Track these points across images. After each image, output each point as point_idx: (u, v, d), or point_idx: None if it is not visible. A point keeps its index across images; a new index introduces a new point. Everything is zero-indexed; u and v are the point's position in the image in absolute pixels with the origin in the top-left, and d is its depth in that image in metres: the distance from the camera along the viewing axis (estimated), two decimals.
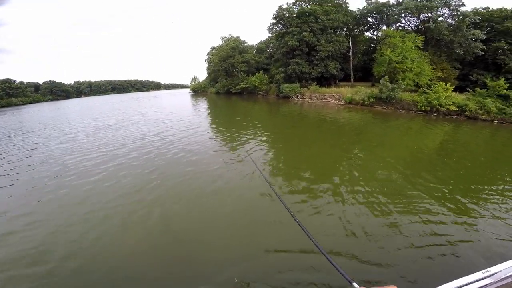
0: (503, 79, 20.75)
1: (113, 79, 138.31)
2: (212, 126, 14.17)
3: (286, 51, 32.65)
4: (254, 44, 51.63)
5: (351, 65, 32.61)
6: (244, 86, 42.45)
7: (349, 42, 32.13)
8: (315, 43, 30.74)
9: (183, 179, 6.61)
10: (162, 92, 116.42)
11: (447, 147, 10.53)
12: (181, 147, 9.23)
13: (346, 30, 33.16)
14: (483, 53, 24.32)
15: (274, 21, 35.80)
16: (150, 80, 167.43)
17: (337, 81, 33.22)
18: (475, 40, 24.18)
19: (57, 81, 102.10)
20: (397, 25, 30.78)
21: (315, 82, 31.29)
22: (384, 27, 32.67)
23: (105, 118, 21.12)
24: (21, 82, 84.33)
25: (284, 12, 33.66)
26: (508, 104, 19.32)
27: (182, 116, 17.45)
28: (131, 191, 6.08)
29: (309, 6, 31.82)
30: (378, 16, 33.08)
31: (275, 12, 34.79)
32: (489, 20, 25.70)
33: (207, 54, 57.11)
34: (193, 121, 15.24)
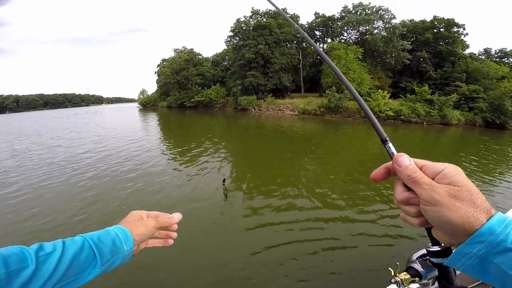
0: (427, 85, 25.48)
1: (45, 93, 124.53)
2: (165, 143, 14.09)
3: (243, 63, 34.12)
4: (210, 57, 52.57)
5: (301, 77, 35.71)
6: (199, 99, 42.55)
7: (299, 55, 35.37)
8: (270, 56, 32.92)
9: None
10: (105, 106, 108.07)
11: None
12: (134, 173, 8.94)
13: (296, 43, 36.49)
14: (409, 62, 29.51)
15: (231, 33, 37.44)
16: (91, 93, 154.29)
17: (289, 92, 35.90)
18: (403, 50, 29.30)
19: None
20: (340, 37, 35.34)
21: (271, 94, 33.37)
22: (329, 40, 37.16)
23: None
24: None
25: (242, 25, 35.49)
26: (432, 107, 23.76)
27: (133, 136, 16.81)
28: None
29: (264, 19, 34.22)
30: (324, 30, 37.51)
31: (233, 25, 36.47)
32: (413, 31, 31.45)
33: (158, 66, 55.98)
34: (144, 139, 14.87)
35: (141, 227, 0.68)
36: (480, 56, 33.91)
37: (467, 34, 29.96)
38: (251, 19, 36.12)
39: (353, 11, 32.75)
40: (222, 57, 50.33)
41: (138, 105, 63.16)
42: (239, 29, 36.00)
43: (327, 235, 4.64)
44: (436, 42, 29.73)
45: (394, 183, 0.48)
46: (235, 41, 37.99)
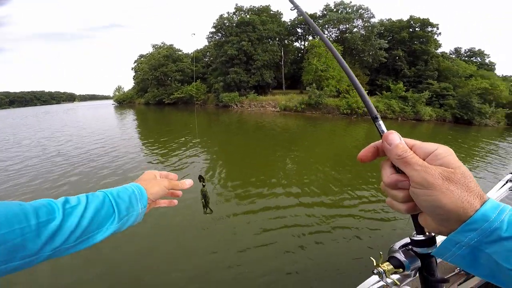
0: (401, 83, 26.71)
1: (11, 91, 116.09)
2: (145, 141, 13.67)
3: (226, 60, 33.89)
4: (190, 53, 51.51)
5: (283, 74, 36.10)
6: (179, 95, 41.63)
7: (281, 52, 35.70)
8: (253, 52, 32.93)
9: None
10: (77, 104, 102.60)
11: (366, 144, 13.20)
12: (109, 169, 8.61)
13: (278, 40, 36.77)
14: (385, 60, 30.75)
15: (213, 29, 37.00)
16: (62, 91, 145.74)
17: (271, 89, 36.23)
18: (380, 48, 30.45)
19: None
20: (322, 33, 36.05)
21: (253, 90, 33.41)
22: (310, 38, 37.77)
23: None
24: None
25: (225, 21, 35.21)
26: (406, 104, 24.97)
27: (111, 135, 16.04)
28: None
29: (248, 16, 34.10)
30: (306, 27, 38.02)
31: (215, 21, 36.00)
32: (390, 30, 32.73)
33: (135, 62, 54.03)
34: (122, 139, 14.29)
35: (156, 186, 0.70)
36: (451, 55, 36.03)
37: (440, 33, 31.69)
38: (234, 16, 35.92)
39: (335, 10, 33.48)
40: (203, 53, 49.56)
41: (114, 102, 60.57)
42: (221, 26, 35.70)
43: (311, 223, 4.79)
44: (411, 41, 31.18)
45: (381, 164, 0.44)
46: (217, 38, 37.61)
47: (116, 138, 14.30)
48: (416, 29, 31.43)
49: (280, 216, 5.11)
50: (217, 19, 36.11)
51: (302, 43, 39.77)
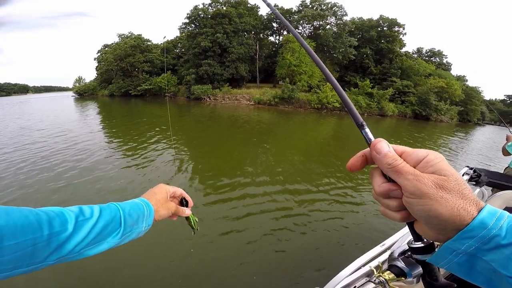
0: (368, 80, 28.47)
1: None
2: (108, 136, 13.02)
3: (198, 51, 33.37)
4: (160, 43, 49.49)
5: (257, 67, 36.49)
6: (147, 87, 39.98)
7: (256, 45, 35.94)
8: (228, 45, 32.77)
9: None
10: (31, 96, 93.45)
11: (336, 136, 14.16)
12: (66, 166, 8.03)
13: (254, 34, 36.92)
14: (354, 57, 32.45)
15: (187, 20, 36.16)
16: (13, 82, 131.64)
17: (245, 82, 36.45)
18: (350, 46, 32.03)
19: None
20: (296, 31, 36.90)
21: (227, 83, 33.30)
22: (285, 33, 38.46)
23: None
24: None
25: (200, 12, 34.56)
26: (372, 100, 26.74)
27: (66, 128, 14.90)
28: None
29: (224, 8, 33.66)
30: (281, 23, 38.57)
31: (189, 12, 35.22)
32: (360, 28, 34.49)
33: (98, 52, 50.56)
34: (80, 132, 13.42)
35: (165, 210, 0.73)
36: (413, 55, 39.11)
37: (405, 33, 34.16)
38: (210, 7, 35.30)
39: (310, 6, 34.40)
40: (174, 44, 48.01)
41: (74, 94, 56.13)
42: (195, 17, 35.05)
43: (285, 206, 5.08)
44: (379, 40, 33.26)
45: (371, 172, 0.43)
46: (190, 29, 36.88)
47: (78, 131, 13.49)
48: (384, 28, 33.57)
49: (254, 203, 5.31)
50: (192, 10, 35.38)
51: (277, 37, 40.35)
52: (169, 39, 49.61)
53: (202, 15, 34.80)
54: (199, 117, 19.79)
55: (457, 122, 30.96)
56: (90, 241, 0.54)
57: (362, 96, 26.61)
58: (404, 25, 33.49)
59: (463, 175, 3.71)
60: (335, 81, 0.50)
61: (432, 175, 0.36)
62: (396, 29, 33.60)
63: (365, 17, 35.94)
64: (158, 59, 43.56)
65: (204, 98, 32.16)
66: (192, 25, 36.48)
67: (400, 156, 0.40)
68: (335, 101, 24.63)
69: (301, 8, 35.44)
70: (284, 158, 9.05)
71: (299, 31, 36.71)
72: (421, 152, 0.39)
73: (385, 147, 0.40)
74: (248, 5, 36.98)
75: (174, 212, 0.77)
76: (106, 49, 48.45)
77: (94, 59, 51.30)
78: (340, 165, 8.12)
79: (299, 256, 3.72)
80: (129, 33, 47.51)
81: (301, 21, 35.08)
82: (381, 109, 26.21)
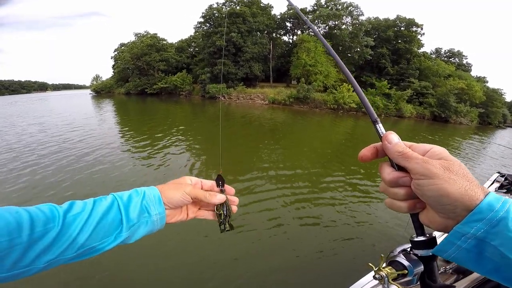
0: (386, 80, 27.94)
1: None
2: (124, 132, 13.35)
3: (213, 50, 33.68)
4: (174, 42, 50.30)
5: (271, 67, 36.43)
6: (162, 86, 40.72)
7: (270, 45, 35.93)
8: (242, 44, 32.98)
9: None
10: (51, 94, 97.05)
11: (352, 138, 13.95)
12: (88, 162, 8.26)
13: (267, 33, 36.93)
14: (370, 57, 31.91)
15: (202, 20, 36.72)
16: (33, 80, 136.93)
17: (258, 81, 36.51)
18: (366, 46, 31.52)
19: None
20: (310, 30, 36.59)
21: (241, 82, 33.49)
22: (299, 32, 38.25)
23: None
24: None
25: (214, 11, 35.06)
26: (390, 101, 26.24)
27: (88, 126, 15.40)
28: None
29: (238, 8, 33.95)
30: (296, 22, 38.40)
31: (204, 11, 35.74)
32: (376, 28, 33.90)
33: (115, 51, 51.91)
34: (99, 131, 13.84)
35: (173, 190, 0.59)
36: (431, 55, 38.07)
37: (424, 34, 33.30)
38: (224, 6, 35.65)
39: (325, 6, 34.07)
40: (189, 43, 48.69)
41: (91, 92, 57.89)
42: (210, 16, 35.58)
43: (311, 214, 5.04)
44: (396, 40, 32.57)
45: (380, 165, 0.46)
46: (205, 28, 37.40)
47: (95, 128, 13.92)
48: (402, 28, 32.85)
49: (270, 204, 5.27)
50: (206, 9, 35.88)
51: (291, 37, 40.18)
52: (183, 38, 50.42)
53: (216, 14, 35.24)
54: (215, 117, 20.02)
55: (477, 124, 29.91)
56: (87, 238, 0.48)
57: (379, 97, 26.16)
58: (422, 25, 32.66)
59: (493, 182, 3.46)
60: (352, 78, 0.53)
61: (439, 160, 0.39)
62: (414, 29, 32.81)
63: (381, 17, 35.29)
64: (173, 58, 44.31)
65: (219, 97, 32.45)
66: (207, 24, 36.97)
67: (409, 148, 0.43)
68: (352, 101, 24.35)
69: (315, 8, 35.16)
70: (300, 157, 8.93)
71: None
72: (427, 145, 0.42)
73: (395, 138, 0.44)
74: (261, 5, 37.09)
75: (193, 195, 0.60)
76: (123, 47, 49.71)
77: (111, 58, 52.74)
78: (359, 168, 7.89)
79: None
80: (145, 32, 48.52)
81: (316, 21, 34.73)
82: (399, 110, 25.70)
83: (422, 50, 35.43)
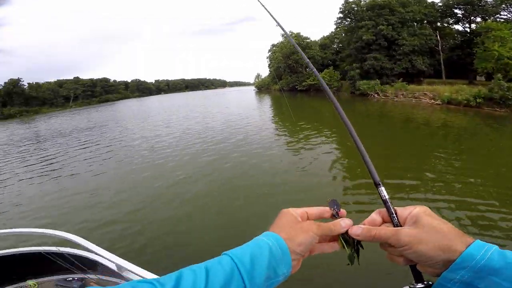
0: None
1: (186, 78, 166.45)
2: (278, 123, 16.17)
3: (361, 45, 32.51)
4: (317, 40, 51.76)
5: (442, 60, 30.18)
6: (310, 82, 43.08)
7: (436, 35, 30.13)
8: (395, 37, 30.06)
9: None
10: (228, 89, 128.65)
11: None
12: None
13: (427, 23, 31.44)
14: None
15: (341, 15, 36.25)
16: (217, 78, 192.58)
17: (422, 78, 31.11)
18: None
19: (141, 79, 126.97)
20: (495, 16, 26.43)
21: (400, 79, 29.73)
22: (479, 19, 28.55)
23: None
24: (114, 81, 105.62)
25: (352, 5, 33.95)
26: None
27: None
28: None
29: None
30: (469, 7, 28.82)
31: (341, 6, 35.25)
32: None
33: (269, 51, 60.15)
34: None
35: (300, 234, 0.49)
36: None
37: None
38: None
39: None
40: (331, 40, 48.48)
41: (254, 88, 70.81)
42: (349, 10, 34.42)
43: None
44: None
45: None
46: (346, 23, 36.64)
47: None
48: None
49: None
50: (343, 4, 34.82)
51: (466, 25, 30.88)
52: (325, 35, 50.71)
53: (355, 8, 33.57)
54: (365, 116, 19.36)
55: None
56: None
57: None
58: None
59: None
60: None
61: (407, 228, 0.46)
62: None
63: None
64: (318, 55, 45.81)
65: (371, 94, 30.45)
66: (348, 19, 35.78)
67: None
68: None
69: None
70: (487, 184, 6.29)
71: (504, 16, 26.91)
72: (408, 209, 0.49)
73: (359, 229, 0.50)
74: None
75: (320, 233, 0.51)
76: (274, 48, 56.64)
77: (266, 58, 61.59)
78: None
79: None
80: (290, 32, 52.63)
81: (504, 6, 25.88)
82: None
83: None
